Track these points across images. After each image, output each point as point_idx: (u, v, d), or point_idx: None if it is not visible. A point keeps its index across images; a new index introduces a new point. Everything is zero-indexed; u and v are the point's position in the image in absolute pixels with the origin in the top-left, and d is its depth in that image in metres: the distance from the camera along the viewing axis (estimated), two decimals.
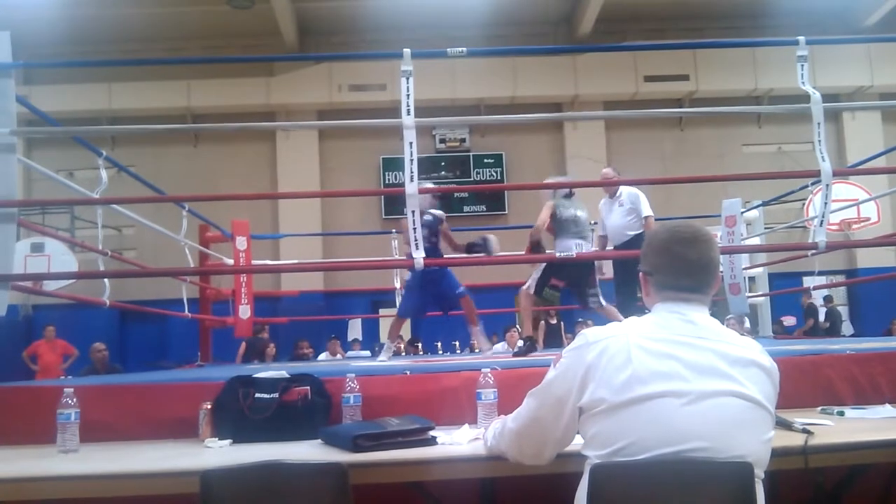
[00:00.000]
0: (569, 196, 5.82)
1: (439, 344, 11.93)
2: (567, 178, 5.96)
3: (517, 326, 10.71)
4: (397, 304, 8.75)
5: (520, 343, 5.98)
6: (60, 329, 11.58)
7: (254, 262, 8.87)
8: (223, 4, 14.14)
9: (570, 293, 5.93)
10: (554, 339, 10.96)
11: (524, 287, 5.62)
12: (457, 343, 12.23)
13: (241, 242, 8.22)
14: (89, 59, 13.68)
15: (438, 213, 5.83)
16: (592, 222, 6.36)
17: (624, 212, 6.36)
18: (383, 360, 5.70)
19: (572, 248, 5.55)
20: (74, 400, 2.60)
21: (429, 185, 6.16)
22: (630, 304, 5.65)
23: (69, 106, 13.72)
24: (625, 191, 6.47)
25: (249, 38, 15.23)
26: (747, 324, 8.84)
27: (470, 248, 5.86)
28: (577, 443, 1.84)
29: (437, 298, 6.03)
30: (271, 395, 2.81)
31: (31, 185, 13.45)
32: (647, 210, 6.33)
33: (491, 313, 6.04)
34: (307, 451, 2.47)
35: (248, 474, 1.99)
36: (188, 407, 2.82)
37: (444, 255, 6.22)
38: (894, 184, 11.45)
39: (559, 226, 5.67)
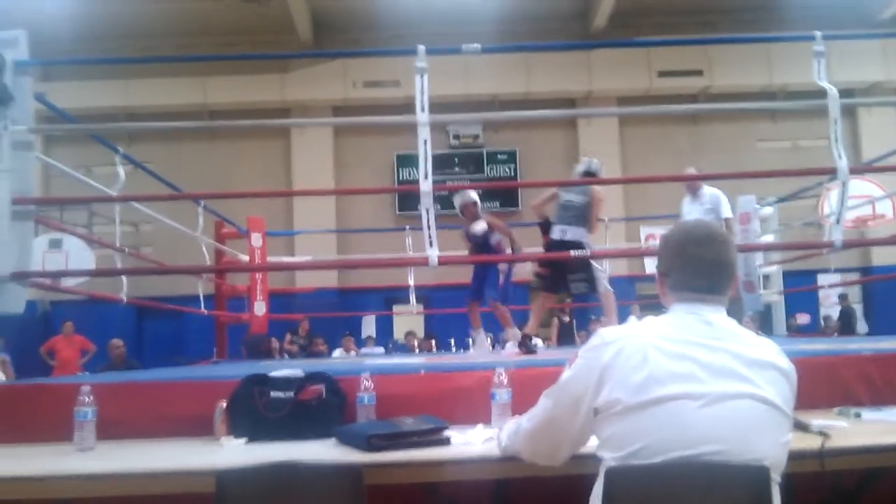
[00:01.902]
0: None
1: (452, 341, 11.92)
2: (594, 162, 5.88)
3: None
4: (411, 300, 8.75)
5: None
6: (78, 325, 11.65)
7: (269, 258, 8.89)
8: (238, 0, 14.17)
9: (558, 281, 5.81)
10: (567, 338, 10.93)
11: None
12: (471, 340, 12.20)
13: (256, 239, 8.25)
14: (106, 57, 13.76)
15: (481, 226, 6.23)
16: None
17: (704, 211, 6.41)
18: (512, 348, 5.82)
19: (556, 233, 5.58)
20: (91, 398, 2.62)
21: (473, 194, 6.53)
22: None
23: (87, 103, 13.79)
24: (708, 192, 6.51)
25: (265, 34, 15.27)
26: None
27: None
28: (592, 444, 1.82)
29: (477, 285, 6.35)
30: (286, 394, 2.82)
31: (49, 181, 13.54)
32: (727, 212, 6.34)
33: (486, 311, 6.08)
34: (322, 451, 2.47)
35: (264, 475, 2.00)
36: (204, 405, 2.83)
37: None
38: None
39: (556, 211, 5.70)
